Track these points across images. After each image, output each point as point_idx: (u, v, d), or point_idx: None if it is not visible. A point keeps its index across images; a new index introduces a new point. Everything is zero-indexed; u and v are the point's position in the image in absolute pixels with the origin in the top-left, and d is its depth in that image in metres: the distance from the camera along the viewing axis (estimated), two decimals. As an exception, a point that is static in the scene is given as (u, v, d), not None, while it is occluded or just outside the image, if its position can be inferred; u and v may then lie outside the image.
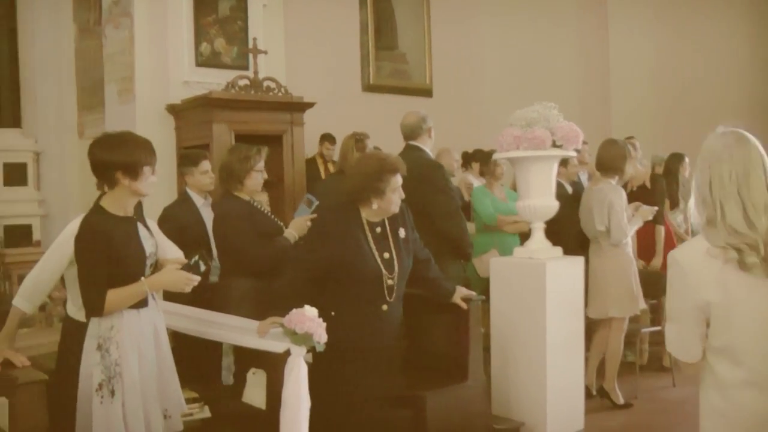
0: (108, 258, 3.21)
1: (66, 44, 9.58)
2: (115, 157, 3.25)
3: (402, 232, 4.06)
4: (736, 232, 2.33)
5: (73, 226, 3.69)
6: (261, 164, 4.80)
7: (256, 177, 4.78)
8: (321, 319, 3.55)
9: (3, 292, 8.43)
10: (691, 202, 2.56)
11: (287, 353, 3.54)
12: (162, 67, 7.47)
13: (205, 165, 5.15)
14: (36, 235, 9.69)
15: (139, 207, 3.46)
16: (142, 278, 3.31)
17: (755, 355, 2.37)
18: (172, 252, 3.74)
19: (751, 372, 2.37)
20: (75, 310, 3.70)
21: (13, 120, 9.95)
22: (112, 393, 3.20)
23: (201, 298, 4.27)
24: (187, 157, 5.28)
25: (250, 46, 7.49)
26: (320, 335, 3.53)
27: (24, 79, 10.06)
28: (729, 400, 2.43)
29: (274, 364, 3.69)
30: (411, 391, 4.28)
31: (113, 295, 3.22)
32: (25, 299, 3.63)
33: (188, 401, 3.70)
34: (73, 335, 3.63)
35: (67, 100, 9.55)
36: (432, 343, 4.69)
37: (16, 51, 10.00)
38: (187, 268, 3.39)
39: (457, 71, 11.02)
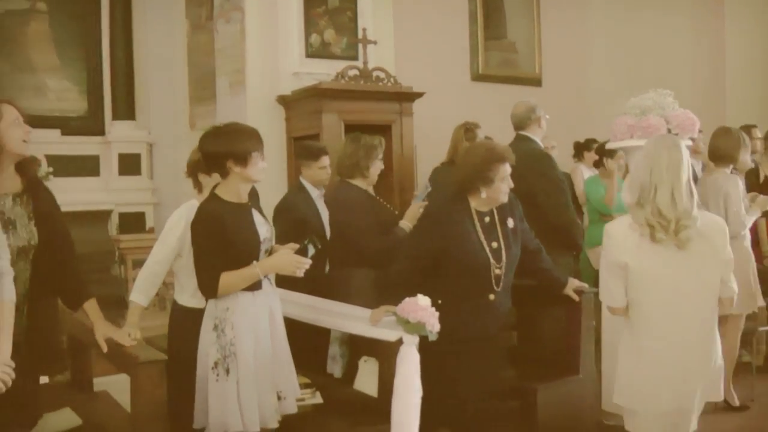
0: (222, 242, 3.31)
1: (178, 39, 9.86)
2: (225, 147, 3.36)
3: (510, 222, 4.02)
4: (660, 213, 3.16)
5: (175, 218, 3.81)
6: (382, 155, 4.84)
7: (379, 167, 4.81)
8: (434, 309, 3.54)
9: (118, 276, 8.76)
10: None
11: (399, 342, 3.53)
12: (272, 58, 7.57)
13: (325, 160, 5.16)
14: (149, 222, 10.06)
15: (254, 194, 3.54)
16: (255, 262, 3.38)
17: (657, 309, 3.25)
18: None
19: (655, 323, 3.27)
20: (186, 297, 3.81)
21: (128, 112, 10.31)
22: (227, 371, 3.29)
23: (317, 287, 4.33)
24: (308, 150, 5.30)
25: (360, 36, 7.52)
26: (433, 324, 3.52)
27: (138, 73, 10.40)
28: (639, 342, 3.32)
29: (386, 353, 3.69)
30: (521, 383, 4.23)
31: (227, 278, 3.31)
32: (141, 293, 3.76)
33: (301, 387, 3.74)
34: (183, 321, 3.78)
35: (179, 93, 9.84)
36: (542, 335, 4.62)
37: (131, 47, 10.35)
38: (298, 251, 3.44)
39: (567, 60, 10.79)
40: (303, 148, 5.41)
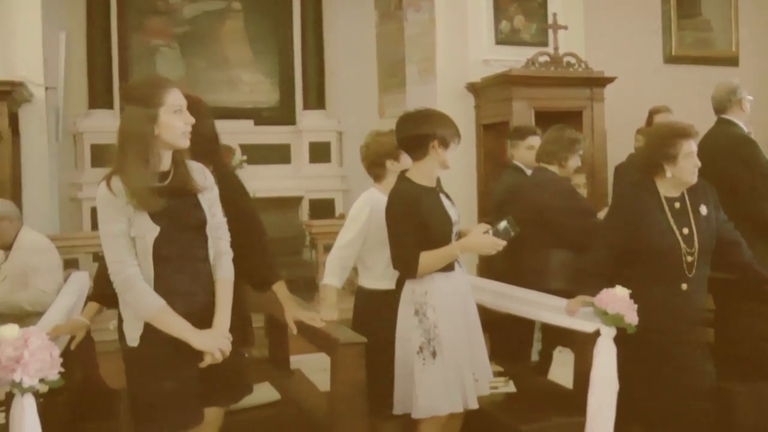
0: (418, 223, 3.34)
1: (367, 29, 10.05)
2: (431, 129, 3.38)
3: (704, 210, 3.81)
4: None
5: (359, 205, 3.85)
6: (582, 151, 4.76)
7: (577, 162, 4.73)
8: (632, 301, 3.43)
9: (309, 260, 9.07)
10: None
11: (596, 333, 3.45)
12: (462, 46, 7.58)
13: (532, 140, 5.14)
14: (338, 209, 10.34)
15: (438, 182, 3.56)
16: (453, 242, 3.40)
17: None
18: None
19: None
20: (371, 280, 3.86)
21: (318, 102, 10.64)
22: (434, 354, 3.32)
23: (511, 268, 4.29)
24: (517, 131, 5.35)
25: (550, 21, 7.38)
26: (631, 317, 3.42)
27: (328, 64, 10.71)
28: None
29: (582, 344, 3.61)
30: (718, 384, 4.00)
31: (426, 257, 3.34)
32: (334, 276, 3.82)
33: (494, 375, 3.72)
34: (368, 304, 3.82)
35: (369, 82, 10.02)
36: (742, 333, 4.35)
37: (321, 39, 10.67)
38: (495, 232, 3.42)
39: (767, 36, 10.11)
40: (513, 128, 5.44)
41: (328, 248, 7.71)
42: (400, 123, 3.49)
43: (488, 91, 7.36)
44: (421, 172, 3.45)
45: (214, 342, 2.70)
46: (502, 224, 3.41)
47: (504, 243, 3.41)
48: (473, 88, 7.51)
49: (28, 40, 7.12)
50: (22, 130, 7.23)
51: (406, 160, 3.74)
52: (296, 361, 4.52)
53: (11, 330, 2.26)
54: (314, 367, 4.38)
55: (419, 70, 8.04)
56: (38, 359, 2.21)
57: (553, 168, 4.67)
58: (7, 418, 2.29)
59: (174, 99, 2.73)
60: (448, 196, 3.58)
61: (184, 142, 2.75)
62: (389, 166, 3.82)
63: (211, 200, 2.85)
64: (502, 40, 7.65)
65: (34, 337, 2.24)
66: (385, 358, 3.39)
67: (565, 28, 7.33)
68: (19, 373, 2.18)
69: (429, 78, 7.79)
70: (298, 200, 10.22)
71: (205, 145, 3.22)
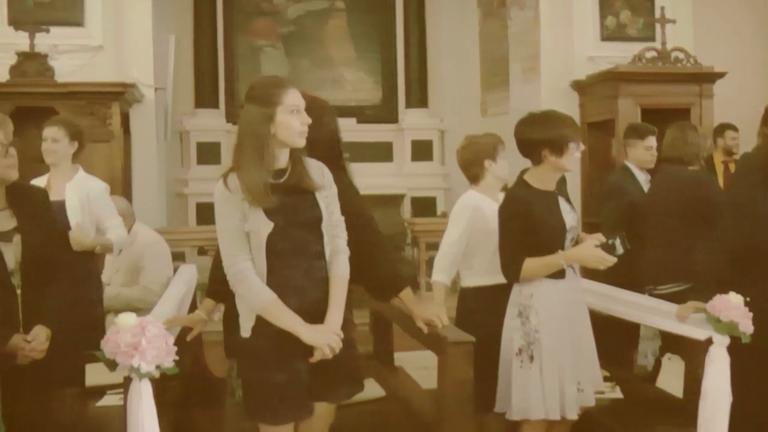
0: (527, 228, 3.30)
1: (470, 27, 10.03)
2: (542, 135, 3.32)
3: None
4: None
5: (463, 204, 3.82)
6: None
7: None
8: (747, 309, 3.29)
9: (411, 257, 9.08)
10: None
11: (708, 341, 3.32)
12: (567, 43, 7.49)
13: (651, 141, 4.99)
14: (440, 207, 10.33)
15: (562, 181, 3.49)
16: (560, 251, 3.33)
17: None
18: None
19: None
20: (475, 278, 3.83)
21: (421, 100, 10.64)
22: (531, 358, 3.28)
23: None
24: (635, 130, 5.16)
25: (657, 15, 7.22)
26: (746, 325, 3.28)
27: (431, 62, 10.69)
28: None
29: (692, 352, 3.49)
30: None
31: (530, 264, 3.30)
32: (443, 273, 3.83)
33: (599, 379, 3.65)
34: (471, 302, 3.79)
35: (471, 80, 9.99)
36: None
37: (424, 37, 10.66)
38: (605, 246, 3.34)
39: None
40: (630, 127, 5.27)
41: (430, 246, 7.82)
42: (516, 127, 3.45)
43: (593, 88, 7.25)
44: (539, 176, 3.40)
45: (324, 338, 2.71)
46: (616, 240, 3.34)
47: (614, 260, 3.33)
48: (578, 85, 7.41)
49: (139, 44, 7.40)
50: (133, 129, 7.50)
51: (503, 161, 3.71)
52: (396, 358, 4.55)
53: (129, 318, 2.35)
54: (414, 365, 4.39)
55: (523, 68, 7.97)
56: (155, 346, 2.29)
57: (694, 167, 4.56)
58: (124, 400, 2.38)
59: (292, 99, 2.77)
60: (568, 200, 3.51)
61: (300, 142, 2.79)
62: (487, 166, 3.80)
63: (328, 198, 2.87)
64: (607, 36, 7.52)
65: (150, 326, 2.32)
66: (489, 354, 3.37)
67: (673, 22, 7.14)
68: (137, 359, 2.26)
69: (533, 76, 7.72)
70: (400, 198, 10.25)
71: (328, 147, 3.27)
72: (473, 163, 3.85)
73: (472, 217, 3.71)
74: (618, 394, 3.94)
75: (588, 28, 7.46)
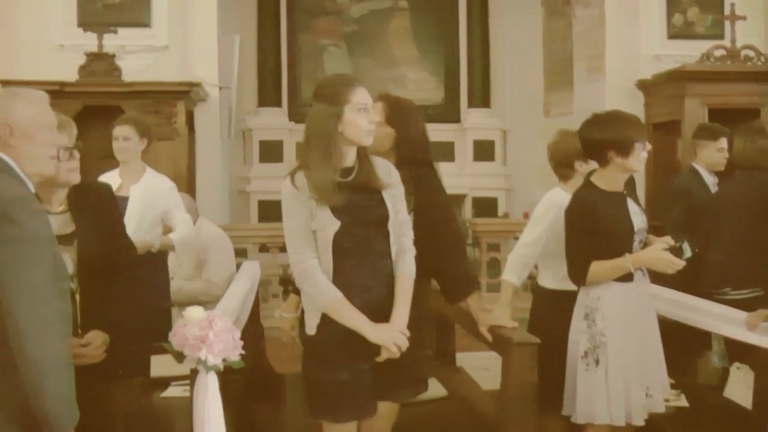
0: (594, 231, 3.25)
1: (534, 26, 9.93)
2: (607, 136, 3.26)
3: None
4: None
5: (545, 204, 3.78)
6: None
7: None
8: None
9: (472, 257, 9.04)
10: None
11: (779, 351, 3.24)
12: (632, 42, 7.37)
13: (723, 142, 4.87)
14: (501, 208, 10.27)
15: (631, 182, 3.44)
16: (627, 254, 3.28)
17: None
18: None
19: None
20: (551, 280, 3.80)
21: (483, 100, 10.63)
22: (597, 362, 3.23)
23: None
24: (708, 130, 5.01)
25: (727, 12, 7.04)
26: (818, 336, 3.19)
27: (494, 62, 10.67)
28: None
29: (763, 361, 3.41)
30: None
31: (596, 267, 3.25)
32: (514, 273, 3.79)
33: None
34: (546, 304, 3.78)
35: (534, 80, 9.90)
36: None
37: (487, 37, 10.65)
38: (672, 250, 3.28)
39: None
40: (702, 128, 5.15)
41: (491, 247, 7.78)
42: (581, 128, 3.41)
43: (659, 88, 7.11)
44: (606, 177, 3.34)
45: (389, 336, 2.70)
46: (684, 243, 3.27)
47: (682, 264, 3.26)
48: (643, 85, 7.28)
49: (204, 44, 7.52)
50: (197, 128, 7.61)
51: (594, 162, 3.64)
52: (457, 358, 4.52)
53: (197, 311, 2.39)
54: (474, 365, 4.37)
55: (587, 67, 7.88)
56: (222, 340, 2.32)
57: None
58: (191, 392, 2.42)
59: (359, 97, 2.77)
60: (637, 201, 3.46)
61: (368, 140, 2.79)
62: (577, 167, 3.74)
63: (395, 197, 2.86)
64: (674, 34, 7.37)
65: (218, 320, 2.36)
66: (559, 357, 3.34)
67: (744, 18, 6.96)
68: (204, 352, 2.29)
69: (597, 76, 7.62)
70: (461, 198, 10.22)
71: (416, 146, 3.27)
72: (563, 161, 3.81)
73: (555, 218, 3.63)
74: (683, 402, 3.85)
75: (654, 25, 7.33)
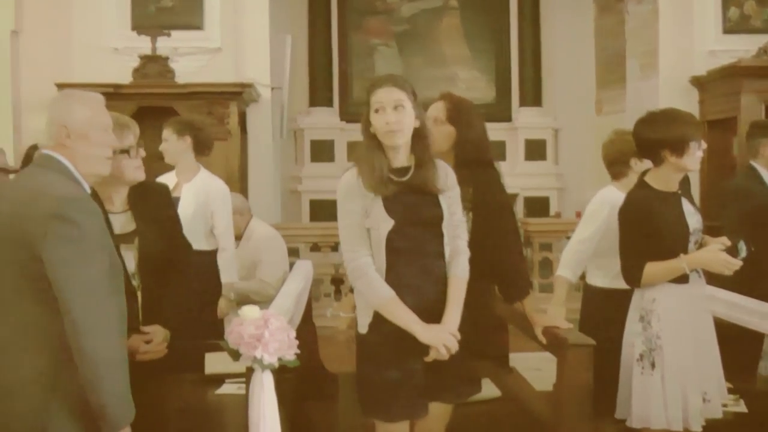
0: (648, 231, 3.21)
1: (585, 23, 9.84)
2: (662, 135, 3.21)
3: None
4: None
5: (598, 202, 3.75)
6: None
7: None
8: None
9: (525, 257, 8.98)
10: None
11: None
12: (686, 37, 7.26)
13: None
14: (553, 207, 10.19)
15: (686, 182, 3.39)
16: (682, 255, 3.23)
17: None
18: None
19: None
20: (602, 279, 3.77)
21: (534, 99, 10.54)
22: (653, 365, 3.18)
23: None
24: (765, 127, 4.99)
25: (786, 5, 6.91)
26: None
27: (545, 60, 10.59)
28: None
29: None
30: None
31: (651, 268, 3.21)
32: (569, 269, 3.77)
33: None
34: (596, 303, 3.75)
35: (586, 78, 9.81)
36: None
37: (538, 35, 10.57)
38: (728, 249, 3.22)
39: None
40: (756, 125, 5.05)
41: (544, 246, 7.73)
42: (635, 127, 3.36)
43: (714, 84, 7.00)
44: (660, 177, 3.29)
45: (439, 338, 2.70)
46: (740, 243, 3.22)
47: (739, 264, 3.20)
48: (698, 81, 7.16)
49: (256, 45, 7.59)
50: (250, 128, 7.69)
51: (648, 161, 3.60)
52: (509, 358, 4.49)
53: (253, 310, 2.42)
54: (527, 366, 4.33)
55: (640, 64, 7.77)
56: (277, 339, 2.34)
57: None
58: (246, 390, 2.45)
59: (376, 98, 2.80)
60: (692, 201, 3.40)
61: (388, 140, 2.78)
62: (633, 165, 3.70)
63: (451, 198, 2.87)
64: (730, 28, 7.24)
65: (273, 319, 2.38)
66: (610, 359, 3.28)
67: (804, 11, 6.83)
68: (260, 350, 2.32)
69: (651, 72, 7.51)
70: (512, 198, 10.14)
71: (477, 146, 3.29)
72: (618, 160, 3.77)
73: (609, 216, 3.60)
74: (742, 407, 3.76)
75: (709, 20, 7.21)
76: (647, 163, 3.41)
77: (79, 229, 2.25)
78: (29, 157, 3.62)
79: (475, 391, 2.94)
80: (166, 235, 3.18)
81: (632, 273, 3.26)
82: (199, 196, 4.55)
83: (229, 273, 4.67)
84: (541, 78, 10.59)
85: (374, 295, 2.75)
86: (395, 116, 2.77)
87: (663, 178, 3.28)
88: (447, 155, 3.23)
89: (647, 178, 3.32)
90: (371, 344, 2.79)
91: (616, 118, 8.01)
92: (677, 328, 3.21)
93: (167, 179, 4.36)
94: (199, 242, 4.28)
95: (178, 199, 4.32)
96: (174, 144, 4.59)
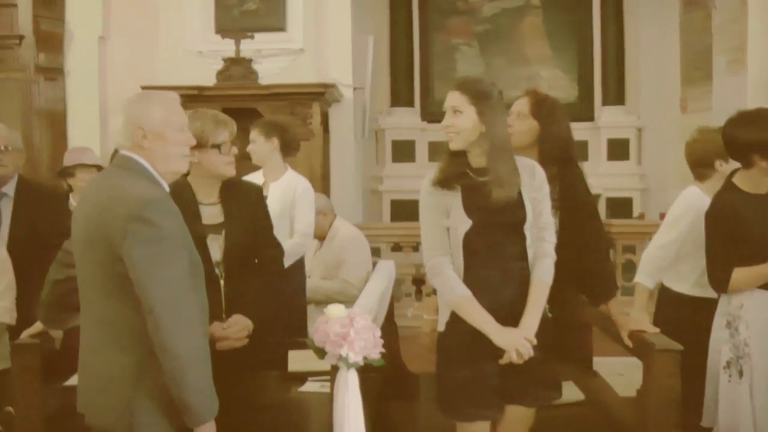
0: (736, 235, 3.14)
1: (670, 19, 9.64)
2: (753, 137, 3.13)
3: None
4: None
5: (683, 205, 3.64)
6: None
7: None
8: None
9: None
10: None
11: None
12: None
13: None
14: (636, 209, 9.98)
15: None
16: None
17: None
18: None
19: None
20: (683, 285, 3.69)
21: (618, 97, 10.34)
22: (740, 373, 3.12)
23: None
24: None
25: None
26: None
27: (629, 58, 10.37)
28: None
29: None
30: None
31: (739, 273, 3.15)
32: (647, 275, 3.68)
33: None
34: (674, 307, 3.67)
35: (670, 75, 9.61)
36: None
37: (622, 32, 10.35)
38: None
39: None
40: None
41: (627, 249, 7.59)
42: (725, 126, 3.29)
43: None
44: (749, 179, 3.22)
45: (513, 342, 2.68)
46: None
47: None
48: (791, 78, 6.94)
49: (339, 46, 7.68)
50: (332, 128, 7.78)
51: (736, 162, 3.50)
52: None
53: (339, 309, 2.44)
54: (609, 370, 4.27)
55: (727, 60, 7.56)
56: (362, 338, 2.36)
57: None
58: (331, 388, 2.47)
59: (446, 101, 2.82)
60: None
61: (449, 140, 2.80)
62: (718, 167, 3.59)
63: (537, 199, 2.83)
64: (821, 23, 6.99)
65: (359, 318, 2.40)
66: (692, 366, 3.20)
67: None
68: (346, 349, 2.35)
69: (739, 69, 7.30)
70: (596, 198, 10.00)
71: (561, 144, 3.28)
72: (702, 161, 3.66)
73: (693, 221, 3.51)
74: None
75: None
76: (732, 165, 3.33)
77: (159, 230, 2.32)
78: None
79: (555, 397, 2.89)
80: (254, 230, 3.26)
81: (720, 278, 3.19)
82: (286, 195, 4.63)
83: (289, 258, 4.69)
84: (625, 76, 10.37)
85: (449, 293, 2.76)
86: (449, 120, 2.79)
87: (753, 180, 3.20)
88: (530, 151, 3.20)
89: (736, 180, 3.24)
90: (448, 343, 2.81)
91: (702, 116, 7.82)
92: (766, 335, 3.12)
93: (254, 178, 4.45)
94: (284, 241, 4.35)
95: (265, 198, 4.41)
96: (262, 145, 4.68)
